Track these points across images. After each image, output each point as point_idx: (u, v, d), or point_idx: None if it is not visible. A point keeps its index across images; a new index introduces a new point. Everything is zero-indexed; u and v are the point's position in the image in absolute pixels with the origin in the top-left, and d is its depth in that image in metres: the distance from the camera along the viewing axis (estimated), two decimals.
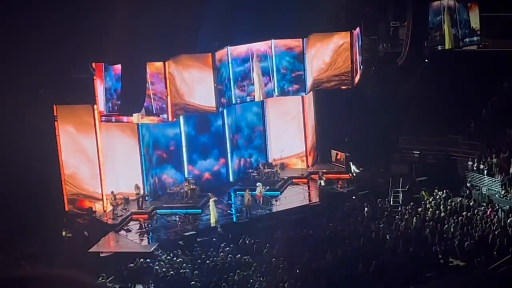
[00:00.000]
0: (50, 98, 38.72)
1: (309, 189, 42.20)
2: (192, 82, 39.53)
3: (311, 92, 43.83)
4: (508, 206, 36.62)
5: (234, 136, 43.48)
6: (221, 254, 32.84)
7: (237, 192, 41.29)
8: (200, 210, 38.77)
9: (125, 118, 38.54)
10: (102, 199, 39.42)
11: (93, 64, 38.06)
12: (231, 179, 43.20)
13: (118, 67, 36.44)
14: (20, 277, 5.83)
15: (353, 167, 41.72)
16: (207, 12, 38.30)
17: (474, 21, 45.65)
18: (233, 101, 41.54)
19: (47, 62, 36.86)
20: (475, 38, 46.00)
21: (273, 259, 31.92)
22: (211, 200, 37.61)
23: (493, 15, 47.34)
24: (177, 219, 38.27)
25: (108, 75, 38.14)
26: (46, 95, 38.34)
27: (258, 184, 39.61)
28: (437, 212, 36.16)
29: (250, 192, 38.97)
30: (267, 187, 39.79)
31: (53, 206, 38.46)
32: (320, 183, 40.64)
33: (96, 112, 38.56)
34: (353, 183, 41.47)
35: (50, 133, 39.05)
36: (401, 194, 39.27)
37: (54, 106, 38.97)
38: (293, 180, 42.80)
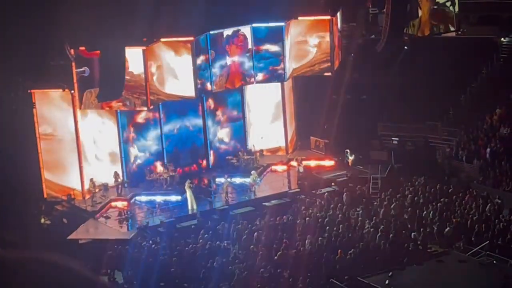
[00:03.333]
0: (28, 84, 38.48)
1: (288, 175, 42.23)
2: (171, 69, 39.42)
3: (290, 79, 43.83)
4: (485, 192, 36.81)
5: (213, 123, 43.40)
6: (200, 241, 32.80)
7: (216, 179, 41.30)
8: (179, 197, 38.71)
9: (103, 105, 38.40)
10: (82, 186, 39.29)
11: (72, 50, 37.80)
12: (209, 165, 43.20)
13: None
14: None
15: (351, 157, 41.69)
16: None
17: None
18: (213, 88, 41.45)
19: (24, 48, 36.60)
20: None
21: (252, 245, 31.94)
22: (187, 186, 37.57)
23: (472, 1, 47.48)
24: (156, 206, 38.19)
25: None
26: (24, 81, 38.10)
27: (252, 172, 39.61)
28: (416, 198, 36.28)
29: (228, 179, 39.09)
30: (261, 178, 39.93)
31: (31, 193, 38.29)
32: (299, 169, 40.70)
33: (75, 98, 38.37)
34: (333, 169, 41.56)
35: (28, 119, 38.83)
36: (380, 181, 39.38)
37: (33, 92, 38.75)
38: (272, 166, 42.81)
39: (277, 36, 42.04)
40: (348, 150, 42.03)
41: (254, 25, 41.71)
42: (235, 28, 41.40)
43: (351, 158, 41.72)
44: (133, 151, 41.01)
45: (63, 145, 39.33)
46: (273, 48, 42.04)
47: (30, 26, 36.62)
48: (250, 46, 41.78)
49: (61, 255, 5.94)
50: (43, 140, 39.19)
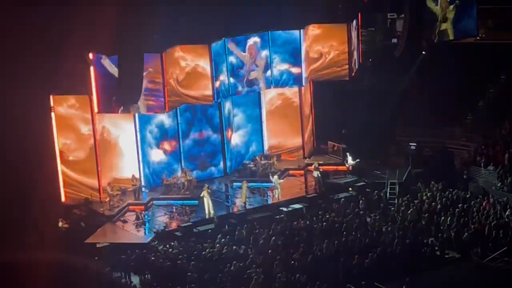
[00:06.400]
0: (46, 88, 38.61)
1: (305, 180, 42.22)
2: (189, 74, 39.55)
3: (309, 84, 43.87)
4: (504, 198, 36.68)
5: (230, 127, 43.51)
6: (217, 245, 32.83)
7: (234, 184, 41.36)
8: (196, 201, 38.75)
9: (119, 110, 38.57)
10: (99, 190, 39.46)
11: (90, 55, 37.96)
12: (228, 170, 43.29)
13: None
14: (18, 266, 5.86)
15: (349, 159, 41.73)
16: (205, 2, 38.25)
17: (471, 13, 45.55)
18: (230, 92, 41.54)
19: (42, 53, 36.73)
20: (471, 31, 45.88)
21: (270, 250, 31.94)
22: (204, 191, 37.62)
23: (490, 7, 47.31)
24: (174, 210, 38.29)
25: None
26: (42, 85, 38.21)
27: (274, 177, 39.59)
28: (433, 204, 36.17)
29: (247, 183, 39.14)
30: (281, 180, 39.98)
31: (49, 196, 38.37)
32: (317, 174, 40.68)
33: (92, 102, 38.54)
34: (350, 174, 41.49)
35: (46, 124, 38.96)
36: (397, 186, 39.29)
37: (51, 96, 38.97)
38: (290, 171, 42.83)
39: (294, 42, 42.06)
40: (347, 153, 41.98)
41: (271, 31, 41.76)
42: (252, 35, 41.46)
43: (351, 162, 41.62)
44: (151, 154, 41.13)
45: (81, 149, 39.50)
46: (290, 53, 42.06)
47: (49, 30, 36.77)
48: (267, 51, 41.82)
49: (81, 259, 6.01)
50: (61, 144, 39.36)
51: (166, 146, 41.69)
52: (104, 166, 39.77)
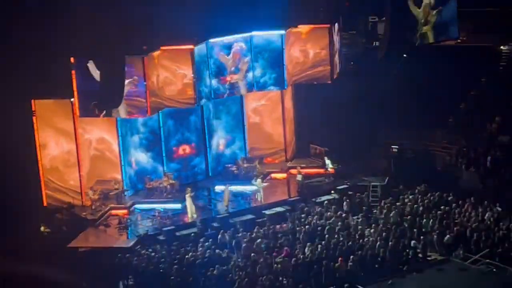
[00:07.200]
0: (27, 92, 38.50)
1: (288, 183, 42.23)
2: (171, 77, 39.50)
3: (290, 86, 43.90)
4: (485, 200, 36.79)
5: (212, 131, 43.47)
6: (200, 249, 32.79)
7: (216, 187, 41.30)
8: (179, 205, 38.72)
9: (101, 114, 38.46)
10: (81, 194, 39.36)
11: (71, 59, 37.82)
12: (210, 173, 43.25)
13: None
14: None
15: (328, 162, 41.80)
16: (186, 4, 38.22)
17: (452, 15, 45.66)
18: (212, 96, 41.51)
19: (24, 56, 36.67)
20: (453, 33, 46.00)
21: (253, 254, 31.93)
22: (187, 195, 37.58)
23: (471, 10, 47.46)
24: (156, 214, 38.18)
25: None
26: (24, 89, 38.10)
27: (258, 180, 39.53)
28: (416, 206, 36.25)
29: (228, 187, 39.11)
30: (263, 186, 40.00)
31: (31, 201, 38.31)
32: (299, 177, 40.71)
33: (75, 106, 38.42)
34: (332, 177, 41.56)
35: (28, 128, 38.88)
36: (379, 189, 39.38)
37: (32, 100, 38.85)
38: (272, 174, 42.82)
39: (276, 45, 42.09)
40: (326, 157, 42.02)
41: (253, 33, 41.78)
42: (234, 36, 41.44)
43: (330, 166, 41.68)
44: (133, 158, 41.03)
45: (63, 153, 39.40)
46: (272, 56, 42.08)
47: (30, 34, 36.69)
48: (249, 54, 41.83)
49: (54, 269, 5.97)
50: (42, 148, 39.27)
51: (148, 149, 41.57)
52: (86, 170, 39.67)
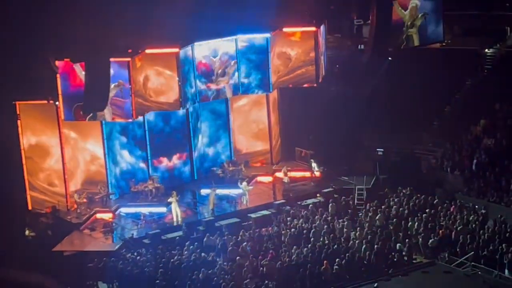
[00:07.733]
0: (12, 96, 38.37)
1: (273, 186, 42.23)
2: (157, 80, 39.46)
3: (276, 90, 43.92)
4: (470, 203, 36.92)
5: (198, 134, 43.42)
6: (186, 252, 32.73)
7: (201, 190, 41.23)
8: (165, 209, 38.65)
9: (87, 117, 38.37)
10: (66, 198, 39.23)
11: (56, 62, 37.74)
12: (195, 177, 43.19)
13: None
14: None
15: (314, 165, 41.82)
16: (172, 8, 38.15)
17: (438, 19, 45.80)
18: (198, 99, 41.49)
19: (8, 59, 36.50)
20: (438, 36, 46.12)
21: (238, 257, 31.89)
22: (172, 199, 37.52)
23: (457, 13, 47.65)
24: (142, 217, 38.10)
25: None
26: (7, 92, 37.96)
27: (243, 183, 39.46)
28: (401, 209, 36.32)
29: (214, 190, 39.07)
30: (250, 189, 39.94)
31: (16, 205, 38.14)
32: (285, 180, 40.73)
33: (59, 109, 38.31)
34: (318, 180, 41.60)
35: (12, 131, 38.73)
36: (365, 192, 39.44)
37: (17, 103, 38.72)
38: (258, 177, 42.81)
39: (262, 48, 42.13)
40: (312, 160, 42.07)
41: (239, 36, 41.81)
42: (220, 39, 41.47)
43: (316, 169, 41.74)
44: (118, 161, 40.93)
45: (48, 156, 39.29)
46: (258, 59, 42.12)
47: (14, 37, 36.52)
48: (234, 58, 41.86)
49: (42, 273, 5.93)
50: (27, 151, 39.14)
51: (134, 153, 41.47)
52: (71, 173, 39.56)
